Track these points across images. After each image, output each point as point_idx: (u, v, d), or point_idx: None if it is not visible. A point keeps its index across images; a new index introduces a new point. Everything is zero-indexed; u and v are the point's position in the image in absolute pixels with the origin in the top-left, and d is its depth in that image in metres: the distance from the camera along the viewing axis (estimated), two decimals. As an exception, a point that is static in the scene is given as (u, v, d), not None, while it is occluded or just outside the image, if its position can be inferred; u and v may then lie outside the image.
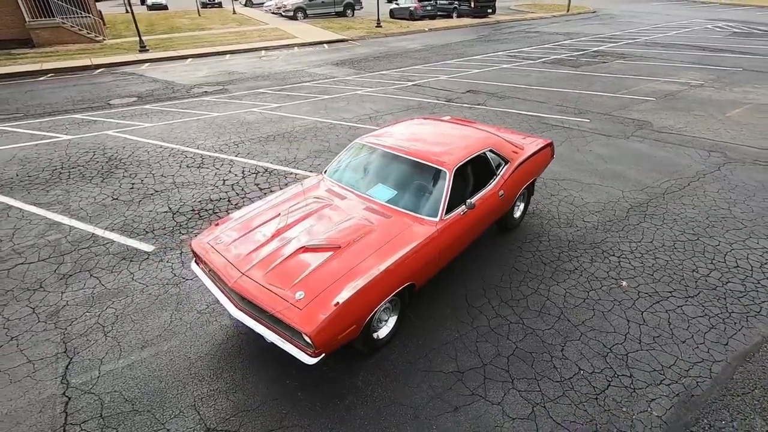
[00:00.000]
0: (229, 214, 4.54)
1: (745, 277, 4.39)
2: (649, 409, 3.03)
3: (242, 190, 6.18)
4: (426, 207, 3.74)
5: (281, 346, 2.95)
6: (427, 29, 21.94)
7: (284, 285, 3.01)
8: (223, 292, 3.34)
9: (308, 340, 2.76)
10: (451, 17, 25.45)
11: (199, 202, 5.85)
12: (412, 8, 24.90)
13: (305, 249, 3.30)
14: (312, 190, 4.15)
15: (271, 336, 3.00)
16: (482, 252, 4.78)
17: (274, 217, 3.72)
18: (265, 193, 6.06)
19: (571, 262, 4.63)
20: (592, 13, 28.29)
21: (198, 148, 7.73)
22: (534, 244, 4.94)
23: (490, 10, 25.54)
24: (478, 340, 3.62)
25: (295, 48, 17.89)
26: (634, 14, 27.90)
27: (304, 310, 2.82)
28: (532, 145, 5.10)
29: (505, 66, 14.22)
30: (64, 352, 3.50)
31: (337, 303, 2.85)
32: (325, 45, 18.61)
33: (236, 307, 3.19)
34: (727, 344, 3.59)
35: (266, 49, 17.51)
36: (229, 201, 5.86)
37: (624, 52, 16.08)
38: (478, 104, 10.23)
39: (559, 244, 4.93)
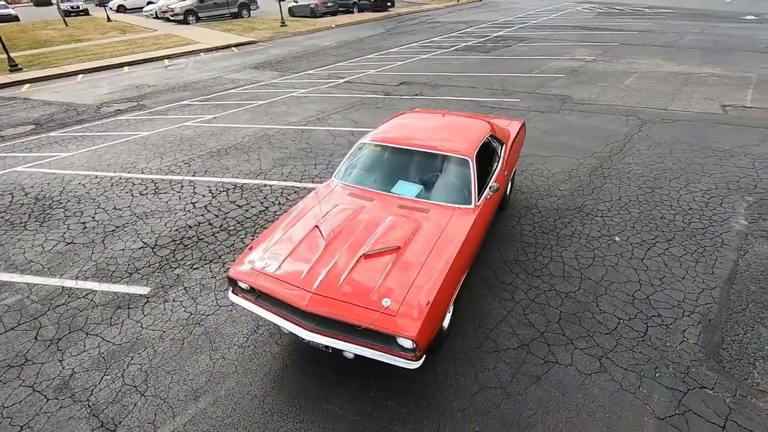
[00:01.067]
0: (240, 242, 4.19)
1: (700, 216, 5.23)
2: (685, 339, 3.52)
3: (219, 210, 5.69)
4: (459, 196, 3.85)
5: (375, 358, 2.86)
6: (333, 26, 21.81)
7: (364, 296, 2.91)
8: (287, 318, 3.11)
9: (410, 344, 2.73)
10: (353, 12, 25.58)
11: (176, 230, 5.28)
12: (312, 5, 24.50)
13: (367, 256, 3.21)
14: (334, 197, 4.00)
15: (359, 350, 2.89)
16: (488, 233, 5.03)
17: (313, 230, 3.53)
18: (246, 211, 5.66)
19: (566, 228, 5.09)
20: (480, 2, 30.48)
21: (143, 172, 6.90)
22: (529, 218, 5.33)
23: (389, 3, 26.17)
24: (526, 313, 3.86)
25: (202, 54, 16.61)
26: (515, 1, 30.65)
27: (399, 316, 2.77)
28: (512, 126, 5.46)
29: (423, 56, 14.76)
30: (102, 426, 2.98)
31: (429, 302, 2.84)
32: (233, 48, 17.56)
33: (309, 330, 3.00)
34: (713, 273, 4.28)
35: (169, 57, 16.00)
36: (210, 224, 5.37)
37: (522, 36, 17.64)
38: (416, 95, 10.54)
39: (550, 214, 5.38)
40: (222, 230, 5.25)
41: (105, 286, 4.35)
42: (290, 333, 3.19)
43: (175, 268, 4.60)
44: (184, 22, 24.43)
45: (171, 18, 25.10)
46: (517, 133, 5.35)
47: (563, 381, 3.20)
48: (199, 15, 24.70)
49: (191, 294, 4.20)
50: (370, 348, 2.88)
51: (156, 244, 5.01)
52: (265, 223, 5.37)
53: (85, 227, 5.43)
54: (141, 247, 4.96)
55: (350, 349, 2.91)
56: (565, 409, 3.01)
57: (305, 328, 3.01)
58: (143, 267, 4.63)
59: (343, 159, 4.48)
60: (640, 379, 3.21)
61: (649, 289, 4.09)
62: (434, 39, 17.84)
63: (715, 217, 5.19)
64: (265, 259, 3.30)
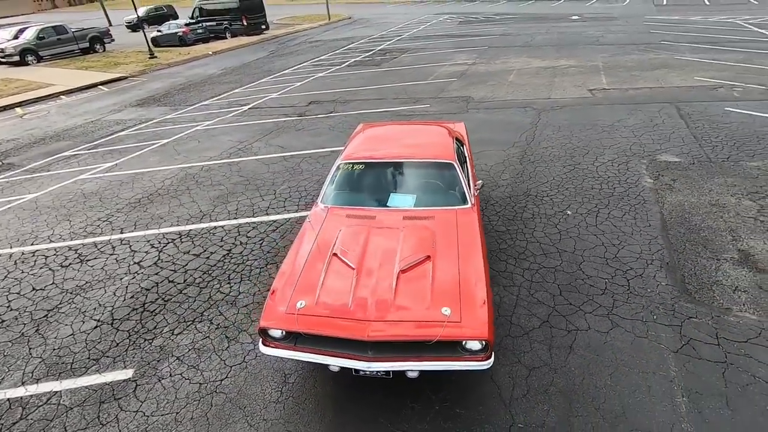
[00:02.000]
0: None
1: (618, 181, 6.20)
2: (659, 283, 4.17)
3: (174, 264, 5.04)
4: (455, 198, 4.02)
5: (445, 369, 2.85)
6: (211, 53, 20.64)
7: (421, 310, 2.89)
8: (338, 355, 2.92)
9: (479, 346, 2.79)
10: (225, 37, 24.52)
11: (132, 297, 4.53)
12: (180, 33, 22.87)
13: (403, 271, 3.18)
14: (333, 223, 3.85)
15: (426, 367, 2.85)
16: (464, 229, 5.31)
17: (333, 258, 3.37)
18: (207, 258, 5.11)
19: (525, 212, 5.62)
20: (350, 20, 31.60)
21: (52, 240, 5.76)
22: (491, 209, 5.75)
23: (263, 26, 25.67)
24: (532, 293, 4.18)
25: (63, 97, 14.36)
26: (381, 16, 32.45)
27: (464, 320, 2.81)
28: (459, 127, 5.85)
29: (319, 75, 14.84)
30: None
31: (484, 300, 2.94)
32: (102, 87, 15.51)
33: (369, 360, 2.86)
34: (650, 225, 5.13)
35: (20, 105, 13.51)
36: (171, 282, 4.73)
37: (403, 47, 18.78)
38: (330, 113, 10.57)
39: (506, 202, 5.88)
40: (189, 285, 4.66)
41: (69, 383, 3.55)
42: (336, 369, 3.01)
43: (152, 339, 3.95)
44: (22, 63, 20.84)
45: (2, 60, 21.22)
46: (465, 133, 5.74)
47: (590, 344, 3.56)
48: (41, 54, 21.31)
49: (189, 363, 3.66)
50: (437, 361, 2.86)
51: (114, 319, 4.24)
52: (236, 266, 4.91)
53: (2, 321, 4.35)
54: (96, 327, 4.16)
55: (417, 367, 2.86)
56: (605, 367, 3.35)
57: (364, 359, 2.87)
58: (110, 348, 3.88)
59: (325, 183, 4.34)
60: (645, 324, 3.71)
61: (613, 249, 4.74)
62: (322, 57, 18.03)
63: (629, 180, 6.21)
64: (299, 300, 3.05)
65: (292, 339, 3.04)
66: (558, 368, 3.36)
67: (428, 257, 3.31)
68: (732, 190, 5.74)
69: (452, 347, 2.86)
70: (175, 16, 34.17)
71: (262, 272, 4.79)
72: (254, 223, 5.83)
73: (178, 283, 4.70)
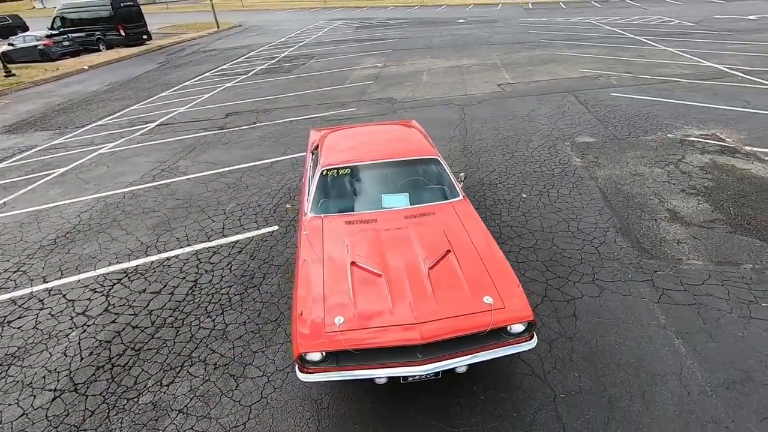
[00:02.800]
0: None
1: (554, 162, 6.87)
2: (621, 246, 4.73)
3: (131, 307, 4.33)
4: (446, 191, 4.10)
5: (495, 357, 2.89)
6: (87, 67, 18.08)
7: (464, 303, 2.89)
8: (386, 365, 2.78)
9: (522, 327, 2.88)
10: (100, 50, 21.67)
11: (91, 354, 3.79)
12: (41, 47, 19.62)
13: (431, 268, 3.14)
14: (334, 232, 3.66)
15: (476, 359, 2.86)
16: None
17: (354, 268, 3.20)
18: (171, 293, 4.48)
19: (487, 200, 5.94)
20: (239, 27, 30.14)
21: (-54, 306, 4.55)
22: (454, 201, 5.96)
23: (145, 36, 23.22)
24: (522, 272, 4.43)
25: None
26: (274, 23, 31.54)
27: (508, 306, 2.88)
28: (415, 124, 5.95)
29: (227, 85, 13.93)
30: None
31: (518, 283, 3.04)
32: (-53, 115, 12.63)
33: (420, 363, 2.78)
34: (593, 197, 5.77)
35: None
36: (136, 327, 4.05)
37: (309, 53, 18.51)
38: (254, 123, 10.01)
39: (467, 192, 6.10)
40: (160, 327, 4.04)
41: (44, 473, 2.85)
42: (383, 381, 2.88)
43: (137, 397, 3.35)
44: None
45: None
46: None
47: (590, 310, 3.89)
48: None
49: (196, 413, 3.17)
50: (486, 350, 2.89)
51: (77, 383, 3.50)
52: (210, 298, 4.39)
53: None
54: (54, 398, 3.39)
55: (468, 361, 2.86)
56: (609, 327, 3.69)
57: (417, 364, 2.78)
58: (85, 420, 3.20)
59: (310, 194, 4.10)
60: (625, 284, 4.18)
61: (573, 223, 5.24)
62: (224, 67, 16.95)
63: (562, 161, 6.92)
64: (332, 316, 2.84)
65: (333, 359, 2.82)
66: (572, 336, 3.62)
67: (448, 251, 3.32)
68: (643, 161, 6.73)
69: (497, 334, 2.91)
70: (25, 27, 29.35)
71: (244, 298, 4.35)
72: (213, 247, 5.27)
73: (146, 328, 4.05)
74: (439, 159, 4.28)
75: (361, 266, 3.21)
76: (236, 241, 5.36)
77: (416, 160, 4.24)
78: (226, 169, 7.54)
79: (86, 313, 4.31)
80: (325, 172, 4.17)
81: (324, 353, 2.76)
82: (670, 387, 3.14)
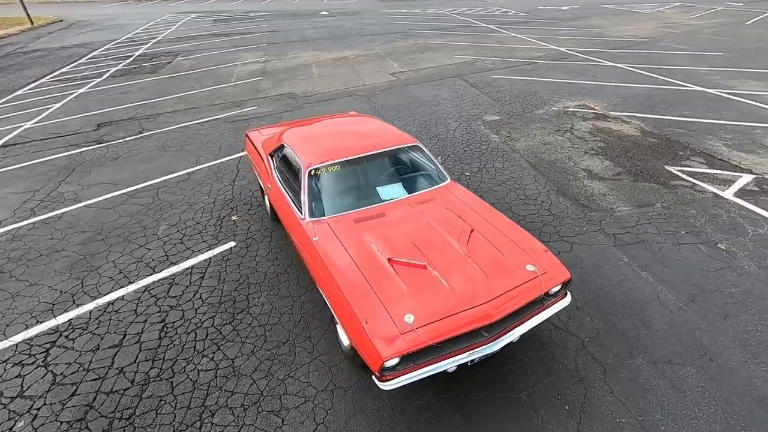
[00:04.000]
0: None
1: (478, 140, 7.47)
2: (567, 205, 5.43)
3: (89, 371, 3.44)
4: (436, 176, 4.18)
5: (544, 319, 3.10)
6: None
7: (512, 276, 3.04)
8: (460, 352, 2.78)
9: (559, 287, 3.15)
10: None
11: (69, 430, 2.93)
12: None
13: (467, 248, 3.20)
14: (346, 233, 3.45)
15: (531, 324, 3.04)
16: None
17: (394, 264, 3.07)
18: (138, 343, 3.69)
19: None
20: (62, 23, 25.08)
21: None
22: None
23: (-74, 36, 17.69)
24: (502, 242, 4.78)
25: None
26: (107, 18, 27.00)
27: (549, 270, 3.11)
28: (354, 113, 5.85)
29: (81, 91, 11.60)
30: None
31: (544, 248, 3.30)
32: None
33: (491, 340, 2.85)
34: (524, 167, 6.47)
35: None
36: (113, 392, 3.25)
37: (169, 50, 16.43)
38: (141, 132, 8.60)
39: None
40: (145, 384, 3.31)
41: None
42: (453, 369, 2.88)
43: (158, 470, 2.72)
44: None
45: None
46: (369, 121, 5.82)
47: (570, 263, 4.41)
48: None
49: (249, 464, 2.72)
50: (536, 315, 3.09)
51: (60, 483, 2.68)
52: (192, 335, 3.74)
53: None
54: None
55: (526, 328, 3.02)
56: (594, 275, 4.26)
57: (483, 343, 2.85)
58: None
59: (304, 198, 3.75)
60: (585, 236, 4.83)
61: (521, 191, 5.82)
62: (64, 70, 14.02)
63: (483, 138, 7.57)
64: (400, 316, 2.71)
65: (409, 360, 2.70)
66: (570, 289, 4.07)
67: (472, 230, 3.42)
68: (545, 132, 7.76)
69: (541, 298, 3.14)
70: None
71: (237, 327, 3.82)
72: (164, 279, 4.46)
73: (126, 389, 3.28)
74: (420, 145, 4.32)
75: (401, 261, 3.11)
76: (191, 267, 4.63)
77: (400, 149, 4.21)
78: (132, 188, 6.37)
79: (25, 393, 3.29)
80: (312, 172, 3.86)
81: (398, 359, 2.63)
82: (657, 310, 3.79)
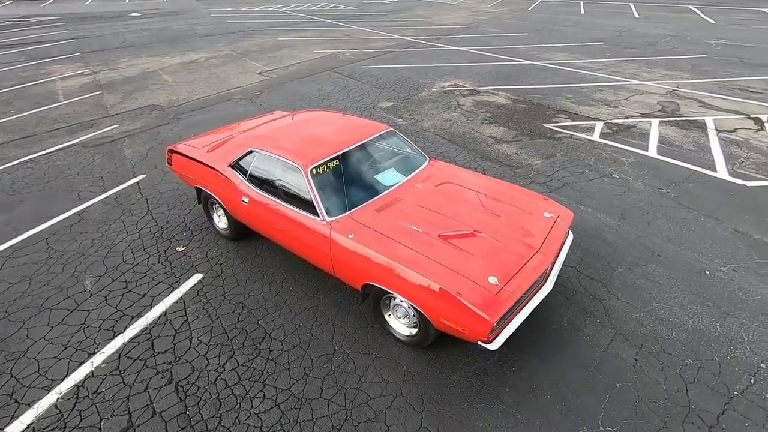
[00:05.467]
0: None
1: (397, 127, 7.80)
2: (503, 172, 6.20)
3: (111, 468, 2.66)
4: (419, 156, 4.36)
5: (564, 256, 3.61)
6: None
7: (542, 224, 3.48)
8: (534, 293, 3.10)
9: (568, 224, 3.73)
10: None
11: None
12: None
13: (494, 212, 3.51)
14: (375, 222, 3.40)
15: (561, 259, 3.50)
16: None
17: (446, 239, 3.18)
18: (137, 423, 2.98)
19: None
20: None
21: None
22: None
23: None
24: (467, 208, 5.24)
25: None
26: None
27: (560, 214, 3.65)
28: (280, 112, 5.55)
29: None
30: None
31: (545, 197, 3.82)
32: None
33: (545, 282, 3.24)
34: (444, 144, 7.09)
35: None
36: (160, 480, 2.59)
37: (-66, 70, 12.32)
38: (-40, 177, 6.46)
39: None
40: (198, 453, 2.73)
41: None
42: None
43: None
44: None
45: None
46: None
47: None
48: None
49: None
50: (560, 253, 3.59)
51: None
52: (212, 384, 3.18)
53: None
54: None
55: (559, 266, 3.46)
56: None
57: (543, 284, 3.23)
58: None
59: (314, 199, 3.49)
60: (538, 186, 5.63)
61: (456, 164, 6.38)
62: None
63: (392, 124, 7.94)
64: (484, 280, 2.87)
65: (509, 314, 2.89)
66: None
67: (485, 194, 3.74)
68: (439, 110, 8.54)
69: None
70: None
71: (270, 355, 3.39)
72: (137, 337, 3.61)
73: (177, 469, 2.65)
74: (394, 130, 4.40)
75: (451, 234, 3.24)
76: (164, 313, 3.84)
77: (381, 135, 4.23)
78: (8, 244, 4.82)
79: None
80: (314, 171, 3.62)
81: (501, 318, 2.80)
82: (606, 231, 4.74)
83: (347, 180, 3.77)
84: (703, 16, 17.65)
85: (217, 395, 3.11)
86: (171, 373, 3.29)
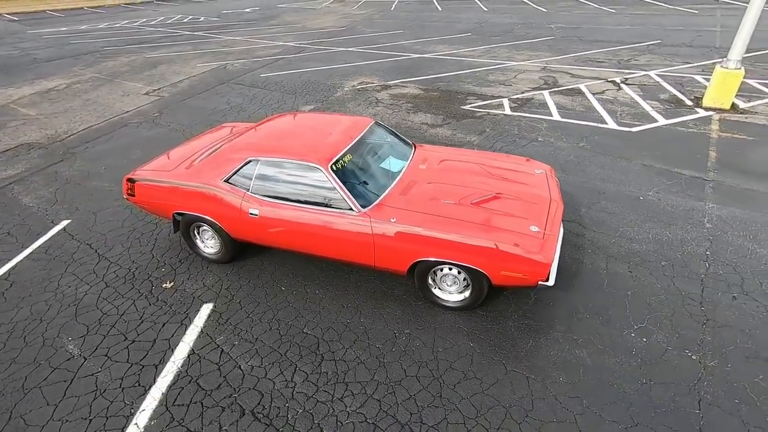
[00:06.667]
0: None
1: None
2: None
3: None
4: (406, 142, 4.61)
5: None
6: None
7: (538, 179, 4.03)
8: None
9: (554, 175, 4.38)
10: None
11: None
12: None
13: (501, 176, 3.96)
14: (410, 204, 3.59)
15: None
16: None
17: (480, 204, 3.51)
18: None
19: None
20: None
21: None
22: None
23: None
24: (439, 187, 5.66)
25: None
26: None
27: (544, 169, 4.25)
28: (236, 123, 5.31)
29: None
30: (698, 403, 2.79)
31: (527, 158, 4.41)
32: None
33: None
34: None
35: None
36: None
37: None
38: None
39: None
40: (318, 465, 2.62)
41: None
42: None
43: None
44: None
45: None
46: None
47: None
48: None
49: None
50: (551, 201, 4.21)
51: None
52: (292, 400, 3.05)
53: None
54: None
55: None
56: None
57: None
58: None
59: (342, 194, 3.50)
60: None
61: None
62: None
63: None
64: (527, 229, 3.30)
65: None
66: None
67: (482, 164, 4.18)
68: (364, 107, 8.82)
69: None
70: None
71: (314, 360, 3.32)
72: (174, 384, 3.20)
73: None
74: (379, 121, 4.56)
75: (482, 200, 3.59)
76: (191, 351, 3.46)
77: (369, 130, 4.34)
78: None
79: None
80: (333, 167, 3.62)
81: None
82: (570, 186, 5.58)
83: (362, 171, 3.86)
84: (535, 6, 20.97)
85: (303, 408, 2.99)
86: (239, 405, 3.04)
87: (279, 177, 3.77)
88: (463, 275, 3.51)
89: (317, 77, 11.06)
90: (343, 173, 3.68)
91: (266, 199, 3.80)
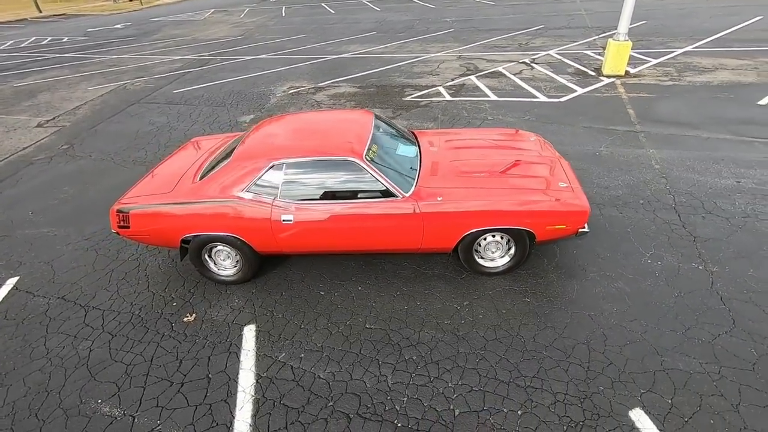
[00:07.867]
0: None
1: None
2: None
3: None
4: (407, 133, 4.69)
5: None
6: None
7: (537, 144, 4.42)
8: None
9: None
10: None
11: None
12: None
13: (510, 146, 4.28)
14: (448, 182, 3.72)
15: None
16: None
17: (509, 171, 3.79)
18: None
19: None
20: None
21: None
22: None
23: None
24: (424, 172, 5.85)
25: None
26: None
27: (536, 135, 4.67)
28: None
29: None
30: (722, 301, 3.39)
31: (516, 129, 4.80)
32: None
33: (564, 182, 4.25)
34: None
35: None
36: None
37: None
38: None
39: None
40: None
41: None
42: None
43: None
44: None
45: None
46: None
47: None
48: None
49: (585, 356, 3.07)
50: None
51: None
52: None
53: None
54: None
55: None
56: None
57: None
58: None
59: (384, 183, 3.50)
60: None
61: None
62: None
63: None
64: (558, 185, 3.66)
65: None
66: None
67: (483, 138, 4.46)
68: (305, 109, 8.65)
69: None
70: None
71: (393, 351, 3.32)
72: (256, 414, 2.93)
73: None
74: (378, 114, 4.58)
75: (506, 168, 3.85)
76: (257, 376, 3.18)
77: (375, 119, 4.34)
78: None
79: None
80: (366, 158, 3.59)
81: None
82: (525, 152, 6.14)
83: (390, 159, 3.88)
84: (423, 3, 22.26)
85: (406, 397, 2.95)
86: (341, 411, 2.89)
87: (309, 177, 3.62)
88: (506, 239, 3.75)
89: (241, 87, 10.51)
90: (375, 163, 3.67)
91: (299, 202, 3.62)
